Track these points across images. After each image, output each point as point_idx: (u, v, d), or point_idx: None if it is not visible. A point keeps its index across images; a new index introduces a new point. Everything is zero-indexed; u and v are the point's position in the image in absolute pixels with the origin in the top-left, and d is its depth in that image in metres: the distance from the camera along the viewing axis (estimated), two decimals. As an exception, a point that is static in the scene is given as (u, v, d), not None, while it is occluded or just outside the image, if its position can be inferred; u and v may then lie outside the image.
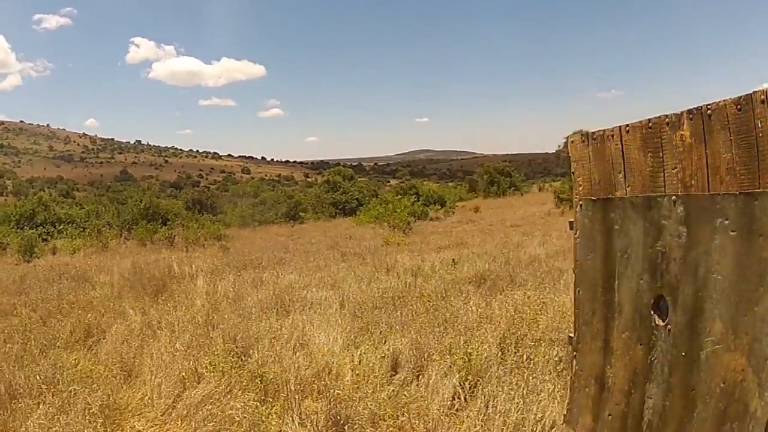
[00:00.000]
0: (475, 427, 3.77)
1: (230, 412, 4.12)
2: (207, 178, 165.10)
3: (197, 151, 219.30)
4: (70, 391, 4.57)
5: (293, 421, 4.04)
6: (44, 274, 12.12)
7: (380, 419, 3.93)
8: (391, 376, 4.78)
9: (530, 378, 4.34)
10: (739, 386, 1.71)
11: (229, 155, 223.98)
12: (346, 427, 3.91)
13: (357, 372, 4.74)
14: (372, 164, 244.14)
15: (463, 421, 3.83)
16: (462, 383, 4.36)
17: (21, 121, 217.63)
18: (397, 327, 5.95)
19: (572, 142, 2.57)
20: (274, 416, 3.98)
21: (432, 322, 6.02)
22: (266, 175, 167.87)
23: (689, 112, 1.89)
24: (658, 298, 2.07)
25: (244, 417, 4.01)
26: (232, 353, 5.34)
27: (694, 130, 1.88)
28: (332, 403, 4.17)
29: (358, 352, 5.13)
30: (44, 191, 74.94)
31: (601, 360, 2.39)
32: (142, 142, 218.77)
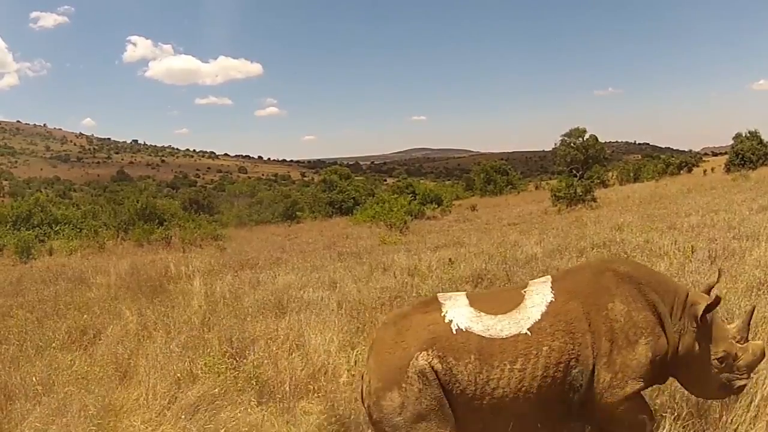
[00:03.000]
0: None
1: (223, 415, 4.13)
2: (204, 178, 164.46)
3: (194, 150, 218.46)
4: (66, 392, 4.58)
5: (287, 422, 4.05)
6: (41, 276, 12.13)
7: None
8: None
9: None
10: None
11: (226, 154, 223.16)
12: (341, 428, 3.92)
13: (352, 372, 4.75)
14: (369, 163, 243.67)
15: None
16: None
17: (18, 121, 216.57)
18: (393, 327, 5.94)
19: None
20: (270, 417, 3.99)
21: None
22: (263, 175, 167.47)
23: None
24: None
25: (232, 421, 4.02)
26: (227, 354, 5.35)
27: None
28: (327, 404, 4.18)
29: (354, 353, 5.14)
30: (41, 192, 74.80)
31: None
32: (139, 142, 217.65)
